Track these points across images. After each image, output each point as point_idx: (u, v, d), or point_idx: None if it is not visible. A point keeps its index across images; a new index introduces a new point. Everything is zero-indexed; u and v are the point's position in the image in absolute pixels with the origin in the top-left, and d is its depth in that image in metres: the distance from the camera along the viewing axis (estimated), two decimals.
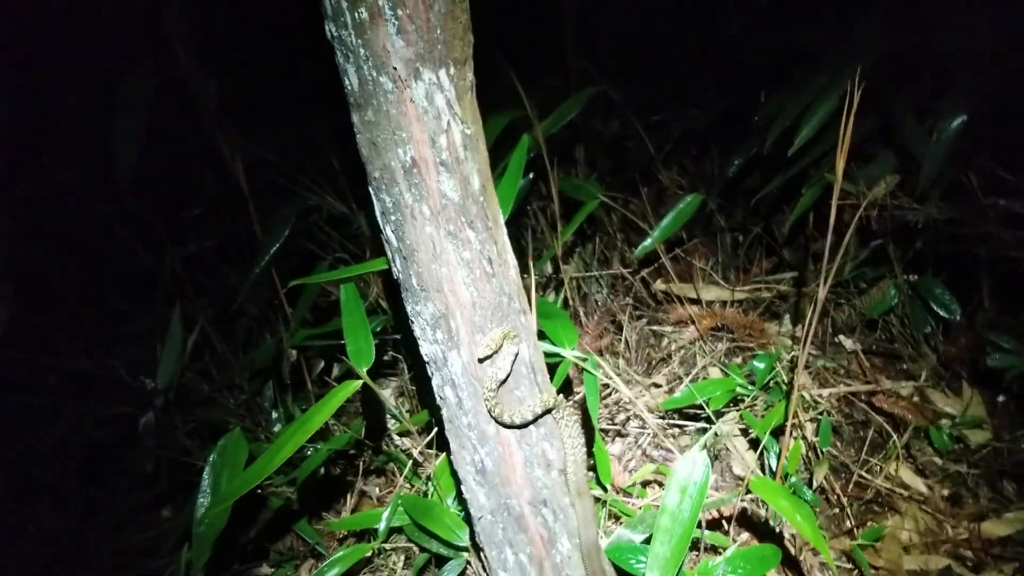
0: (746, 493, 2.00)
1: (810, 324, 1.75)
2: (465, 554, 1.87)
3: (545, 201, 3.13)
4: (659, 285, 3.28)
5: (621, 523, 2.13)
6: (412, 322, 1.39)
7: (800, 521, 1.58)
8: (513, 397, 1.40)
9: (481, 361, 1.34)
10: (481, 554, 1.72)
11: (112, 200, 2.14)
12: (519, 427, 1.39)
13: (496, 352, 1.33)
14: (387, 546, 2.22)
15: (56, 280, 2.28)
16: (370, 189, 1.28)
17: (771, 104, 2.70)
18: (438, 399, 1.47)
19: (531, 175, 2.78)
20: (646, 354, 3.05)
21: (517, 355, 1.36)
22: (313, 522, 2.37)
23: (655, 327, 3.18)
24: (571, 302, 3.16)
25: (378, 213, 1.30)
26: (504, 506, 1.48)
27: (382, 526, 2.00)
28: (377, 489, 2.53)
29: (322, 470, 2.43)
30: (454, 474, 1.60)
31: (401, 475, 2.33)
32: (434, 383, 1.45)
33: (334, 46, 1.16)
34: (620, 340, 3.02)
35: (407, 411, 2.75)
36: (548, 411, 1.42)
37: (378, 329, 2.54)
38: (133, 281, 2.49)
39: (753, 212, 3.23)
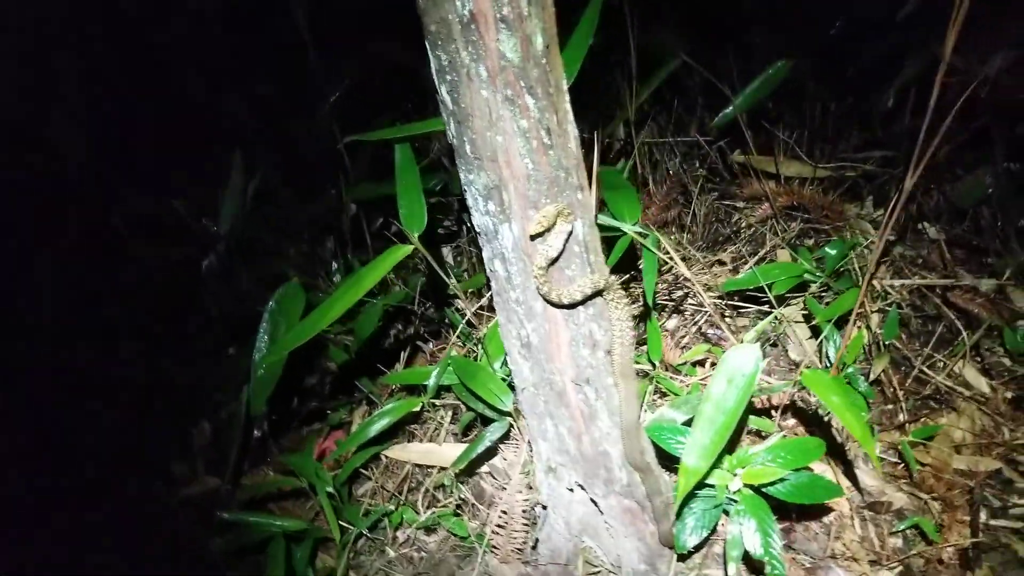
0: (797, 386, 1.96)
1: (893, 210, 1.62)
2: (508, 418, 1.91)
3: (622, 56, 2.90)
4: (736, 156, 3.08)
5: (667, 400, 2.15)
6: (465, 190, 1.34)
7: (850, 418, 1.54)
8: (564, 276, 1.35)
9: (533, 238, 1.29)
10: (522, 420, 1.76)
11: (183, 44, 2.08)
12: (567, 307, 1.36)
13: (549, 229, 1.27)
14: (436, 402, 2.31)
15: (127, 120, 2.28)
16: (426, 44, 1.18)
17: None
18: (488, 271, 1.44)
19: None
20: (714, 229, 2.94)
21: (571, 233, 1.30)
22: (369, 372, 2.46)
23: (727, 201, 3.03)
24: (641, 169, 3.02)
25: (434, 71, 1.21)
26: (547, 380, 1.48)
27: (431, 383, 2.07)
28: (431, 346, 2.60)
29: (379, 323, 2.50)
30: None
31: (453, 335, 2.37)
32: (484, 255, 1.41)
33: None
34: (688, 212, 2.91)
35: (464, 271, 2.76)
36: (598, 292, 1.38)
37: (437, 188, 2.50)
38: (200, 124, 2.48)
39: (850, 82, 2.94)
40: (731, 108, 2.73)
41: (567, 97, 1.24)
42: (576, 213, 1.30)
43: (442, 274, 1.75)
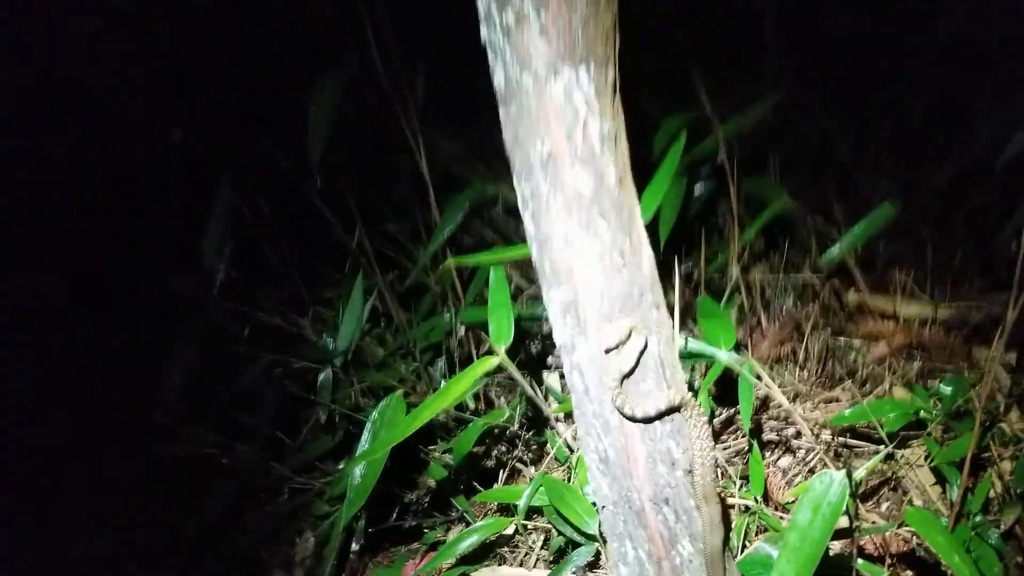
0: (900, 525, 1.83)
1: (997, 344, 1.56)
2: (595, 543, 1.90)
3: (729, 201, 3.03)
4: (852, 296, 3.06)
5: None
6: (547, 308, 1.44)
7: (958, 562, 1.43)
8: (639, 390, 1.40)
9: (608, 352, 1.36)
10: (605, 544, 1.74)
11: (315, 182, 2.41)
12: (642, 421, 1.39)
13: (622, 343, 1.34)
14: (529, 524, 2.32)
15: (265, 246, 2.63)
16: (514, 179, 1.34)
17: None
18: (568, 384, 1.50)
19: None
20: (828, 367, 2.87)
21: (645, 348, 1.36)
22: (467, 492, 2.52)
23: (841, 339, 2.97)
24: (754, 307, 3.05)
25: (520, 201, 1.36)
26: (625, 498, 1.49)
27: (522, 503, 2.09)
28: (533, 470, 2.64)
29: (479, 443, 2.58)
30: None
31: (549, 456, 2.41)
32: (565, 369, 1.49)
33: (487, 48, 1.24)
34: (801, 349, 2.87)
35: (568, 395, 2.81)
36: (674, 409, 1.40)
37: (542, 314, 2.63)
38: (330, 253, 2.79)
39: (970, 223, 2.89)
40: (836, 248, 2.75)
41: (640, 223, 1.35)
42: (651, 329, 1.37)
43: (530, 391, 1.83)
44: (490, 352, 1.66)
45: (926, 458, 2.28)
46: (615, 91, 1.23)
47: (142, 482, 2.62)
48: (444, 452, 2.59)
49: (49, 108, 2.58)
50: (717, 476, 1.51)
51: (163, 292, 2.51)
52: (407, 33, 2.31)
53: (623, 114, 1.27)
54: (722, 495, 1.65)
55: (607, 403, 1.41)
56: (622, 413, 1.38)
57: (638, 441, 1.43)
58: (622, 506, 1.51)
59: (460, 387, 1.56)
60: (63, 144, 2.60)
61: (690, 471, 1.48)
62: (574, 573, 1.92)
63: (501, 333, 1.65)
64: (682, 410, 1.43)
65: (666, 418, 1.42)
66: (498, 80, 1.24)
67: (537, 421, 2.64)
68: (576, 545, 2.00)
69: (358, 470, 1.98)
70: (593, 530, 1.81)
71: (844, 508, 1.36)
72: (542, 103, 1.19)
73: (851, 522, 1.68)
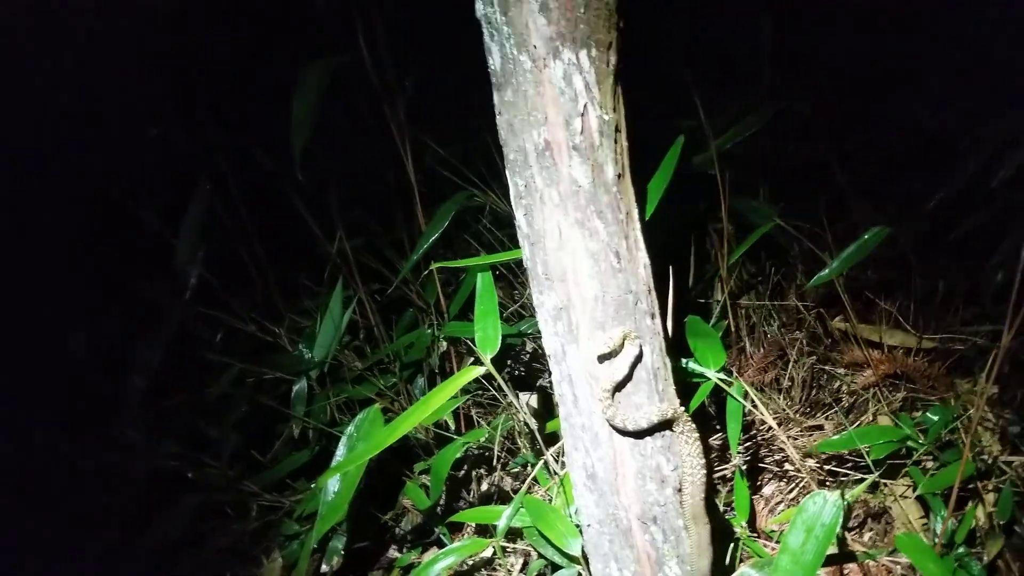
0: (892, 552, 1.78)
1: (988, 378, 1.54)
2: (577, 566, 1.81)
3: (721, 224, 3.01)
4: (837, 323, 3.03)
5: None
6: (536, 313, 1.38)
7: None
8: (630, 402, 1.33)
9: (600, 360, 1.29)
10: (589, 566, 1.66)
11: (296, 186, 2.34)
12: (633, 434, 1.32)
13: (616, 352, 1.28)
14: (508, 546, 2.22)
15: (241, 250, 2.54)
16: (507, 172, 1.28)
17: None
18: (557, 395, 1.43)
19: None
20: (813, 394, 2.83)
21: (639, 359, 1.30)
22: (445, 514, 2.42)
23: (827, 367, 2.94)
24: (739, 332, 3.02)
25: (512, 197, 1.30)
26: (612, 516, 1.41)
27: (502, 523, 1.99)
28: (512, 491, 2.54)
29: (456, 467, 2.49)
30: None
31: (531, 476, 2.33)
32: (553, 378, 1.42)
33: (482, 25, 1.18)
34: (785, 376, 2.83)
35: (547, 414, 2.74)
36: (666, 423, 1.34)
37: (529, 331, 2.57)
38: (307, 259, 2.71)
39: (951, 250, 2.88)
40: (826, 271, 2.72)
41: (638, 225, 1.29)
42: (645, 338, 1.31)
43: (516, 403, 1.75)
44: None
45: (911, 488, 2.25)
46: (617, 79, 1.18)
47: (98, 494, 2.48)
48: (422, 473, 2.50)
49: (21, 103, 2.50)
50: (709, 495, 1.44)
51: (132, 294, 2.41)
52: (400, 38, 2.27)
53: (624, 105, 1.21)
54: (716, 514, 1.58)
55: (597, 415, 1.34)
56: (612, 426, 1.32)
57: (628, 456, 1.36)
58: (608, 524, 1.43)
59: (443, 396, 1.48)
60: (34, 139, 2.50)
61: (679, 489, 1.42)
62: None
63: (488, 341, 1.58)
64: (674, 425, 1.37)
65: (657, 433, 1.36)
66: (493, 61, 1.18)
67: (518, 442, 2.56)
68: (556, 568, 1.91)
69: (332, 485, 1.88)
70: (576, 551, 1.72)
71: (837, 531, 1.30)
72: (540, 86, 1.14)
73: (839, 548, 1.62)
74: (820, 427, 2.69)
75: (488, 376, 1.59)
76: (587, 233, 1.22)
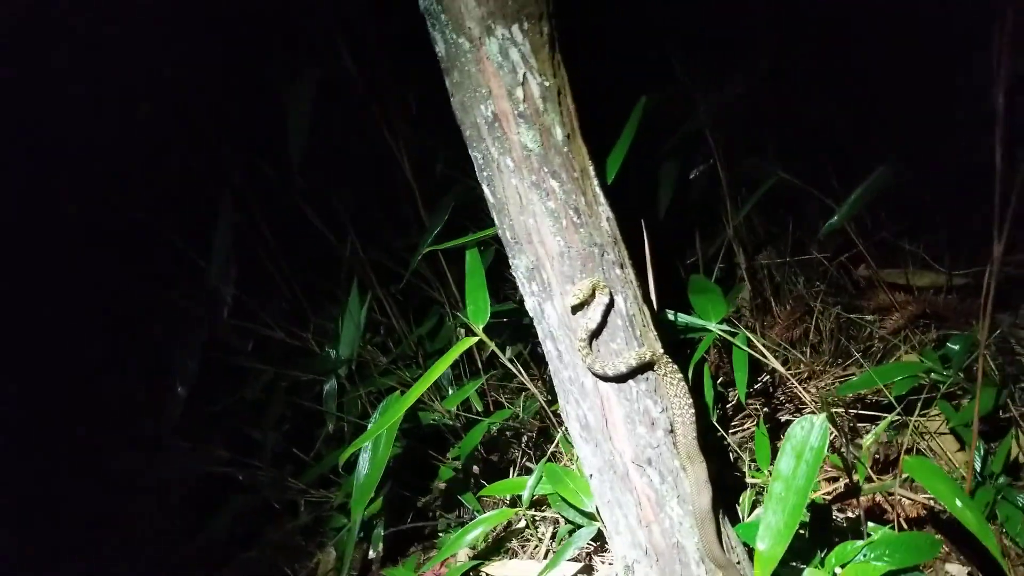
0: (904, 481, 1.78)
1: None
2: (596, 523, 1.87)
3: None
4: (861, 271, 3.01)
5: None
6: (516, 278, 1.46)
7: (960, 507, 1.39)
8: (609, 349, 1.40)
9: (574, 311, 1.36)
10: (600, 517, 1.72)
11: (305, 195, 2.46)
12: (613, 379, 1.39)
13: (587, 302, 1.35)
14: (538, 516, 2.30)
15: (266, 262, 2.69)
16: (467, 146, 1.37)
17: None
18: (545, 354, 1.51)
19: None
20: (842, 344, 2.82)
21: (611, 306, 1.36)
22: (476, 491, 2.51)
23: (853, 316, 2.92)
24: (762, 292, 3.02)
25: (476, 170, 1.38)
26: (609, 463, 1.48)
27: (526, 492, 2.08)
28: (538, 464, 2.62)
29: (486, 447, 2.57)
30: None
31: (552, 446, 2.40)
32: (540, 338, 1.49)
33: (425, 17, 1.27)
34: (813, 330, 2.83)
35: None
36: (646, 365, 1.40)
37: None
38: (330, 266, 2.83)
39: (981, 188, 2.82)
40: (836, 218, 2.71)
41: (595, 181, 1.36)
42: (616, 287, 1.37)
43: (521, 377, 1.83)
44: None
45: (946, 424, 2.22)
46: (553, 47, 1.25)
47: (152, 500, 2.66)
48: (454, 458, 2.60)
49: (57, 127, 2.63)
50: (700, 434, 1.48)
51: (168, 309, 2.57)
52: (400, 40, 2.35)
53: (565, 70, 1.29)
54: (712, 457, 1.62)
55: (581, 366, 1.41)
56: (593, 372, 1.38)
57: (615, 402, 1.43)
58: (607, 472, 1.49)
59: (443, 365, 1.59)
60: (65, 160, 2.65)
61: (671, 431, 1.47)
62: (576, 551, 1.89)
63: (478, 313, 1.67)
64: (656, 367, 1.43)
65: (640, 377, 1.42)
66: (439, 49, 1.27)
67: (543, 420, 2.63)
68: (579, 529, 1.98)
69: (362, 467, 1.99)
70: (590, 507, 1.79)
71: (826, 452, 1.33)
72: (480, 64, 1.22)
73: (850, 478, 1.64)
74: (852, 376, 2.67)
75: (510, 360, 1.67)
76: (543, 193, 1.30)
